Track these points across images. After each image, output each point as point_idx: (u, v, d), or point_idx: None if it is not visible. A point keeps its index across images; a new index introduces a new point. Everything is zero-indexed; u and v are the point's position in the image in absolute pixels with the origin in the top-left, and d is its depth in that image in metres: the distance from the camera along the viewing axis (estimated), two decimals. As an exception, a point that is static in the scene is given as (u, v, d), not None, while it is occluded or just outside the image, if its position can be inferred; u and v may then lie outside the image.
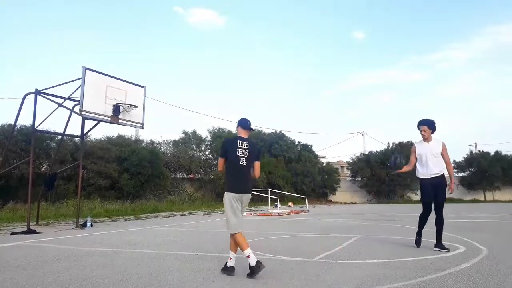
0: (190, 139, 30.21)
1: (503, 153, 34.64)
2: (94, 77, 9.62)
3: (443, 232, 5.54)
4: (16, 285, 3.69)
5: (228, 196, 4.08)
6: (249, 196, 4.24)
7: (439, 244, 5.45)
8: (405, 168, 5.78)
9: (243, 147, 4.14)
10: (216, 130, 32.06)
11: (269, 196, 19.28)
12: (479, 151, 37.27)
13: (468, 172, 34.78)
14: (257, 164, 4.26)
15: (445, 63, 77.31)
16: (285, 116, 78.39)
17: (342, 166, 47.65)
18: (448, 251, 5.27)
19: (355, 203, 33.70)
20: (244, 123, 4.31)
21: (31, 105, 9.60)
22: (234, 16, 78.38)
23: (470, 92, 78.56)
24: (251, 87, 77.49)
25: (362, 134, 46.50)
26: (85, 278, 3.95)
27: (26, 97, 9.77)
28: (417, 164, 5.67)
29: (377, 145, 77.53)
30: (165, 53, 76.95)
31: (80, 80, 9.36)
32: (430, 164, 5.48)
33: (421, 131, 5.60)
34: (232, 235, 4.07)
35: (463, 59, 76.94)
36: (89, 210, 15.01)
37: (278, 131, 35.23)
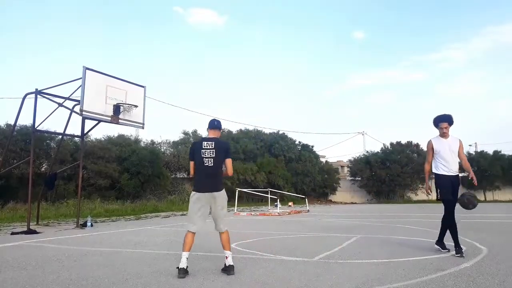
0: (190, 140, 30.24)
1: (503, 153, 34.65)
2: (95, 77, 9.62)
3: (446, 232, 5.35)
4: (16, 285, 3.69)
5: (192, 195, 4.18)
6: (219, 194, 4.13)
7: (440, 243, 5.32)
8: (427, 167, 5.46)
9: (208, 147, 4.15)
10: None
11: (269, 196, 19.29)
12: (475, 151, 37.24)
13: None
14: (228, 161, 4.23)
15: (445, 63, 77.40)
16: (285, 116, 78.41)
17: (342, 166, 47.65)
18: (449, 251, 5.19)
19: (355, 203, 33.71)
20: (210, 123, 4.37)
21: (31, 105, 9.62)
22: (234, 16, 78.42)
23: (470, 92, 78.65)
24: (251, 87, 77.53)
25: (362, 134, 46.50)
26: (85, 278, 3.95)
27: (26, 97, 9.78)
28: (435, 160, 5.32)
29: (377, 145, 77.47)
30: (165, 53, 77.03)
31: (80, 80, 9.36)
32: (449, 161, 5.19)
33: (441, 128, 5.25)
34: (187, 232, 4.15)
35: (463, 59, 77.03)
36: (89, 210, 15.03)
37: (278, 131, 35.32)
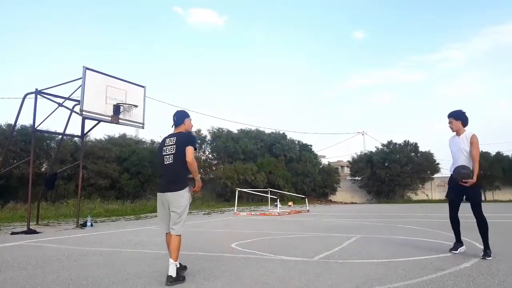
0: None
1: (505, 154, 34.55)
2: (95, 77, 9.62)
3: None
4: (16, 285, 3.70)
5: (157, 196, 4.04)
6: (173, 194, 3.82)
7: (484, 251, 4.89)
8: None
9: (169, 144, 3.92)
10: (215, 130, 32.09)
11: (269, 196, 19.29)
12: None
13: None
14: (187, 148, 3.81)
15: (445, 63, 77.32)
16: (285, 116, 78.40)
17: (342, 166, 47.64)
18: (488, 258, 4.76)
19: (355, 203, 33.69)
20: (173, 120, 4.11)
21: (31, 105, 9.61)
22: (234, 16, 78.41)
23: (470, 92, 78.60)
24: (251, 87, 77.54)
25: (362, 134, 46.47)
26: (85, 278, 3.95)
27: (26, 97, 9.78)
28: None
29: (377, 145, 77.35)
30: (165, 53, 77.04)
31: (81, 80, 9.37)
32: (455, 160, 5.15)
33: (448, 124, 5.27)
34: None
35: (463, 59, 76.97)
36: (89, 210, 15.02)
37: (278, 131, 35.29)
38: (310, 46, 77.36)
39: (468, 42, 74.44)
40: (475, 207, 5.04)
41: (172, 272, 3.68)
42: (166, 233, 4.00)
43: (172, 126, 4.13)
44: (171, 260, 3.74)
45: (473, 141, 5.06)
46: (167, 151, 3.92)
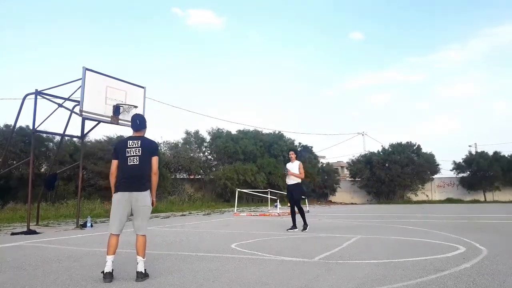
0: (190, 140, 30.41)
1: (502, 154, 34.52)
2: (94, 77, 9.61)
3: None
4: (16, 285, 3.69)
5: (114, 195, 3.98)
6: (141, 194, 3.92)
7: (304, 225, 8.63)
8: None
9: (133, 146, 3.98)
10: (215, 131, 32.10)
11: (269, 196, 19.28)
12: (477, 151, 37.16)
13: (468, 172, 34.68)
14: (153, 159, 4.02)
15: (444, 64, 77.19)
16: (285, 116, 78.31)
17: (342, 167, 47.61)
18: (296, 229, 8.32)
19: (355, 203, 33.69)
20: (132, 124, 4.20)
21: (31, 105, 9.60)
22: (233, 17, 78.38)
23: (470, 92, 78.56)
24: (251, 88, 77.52)
25: (362, 134, 46.44)
26: (85, 278, 3.95)
27: (26, 97, 9.77)
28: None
29: (377, 146, 77.28)
30: (165, 53, 76.97)
31: (80, 80, 9.34)
32: (289, 176, 8.79)
33: (289, 155, 8.97)
34: (110, 235, 3.97)
35: (462, 60, 76.81)
36: (89, 210, 15.01)
37: (277, 131, 35.26)
38: (310, 46, 77.40)
39: (466, 43, 74.42)
40: (297, 201, 8.76)
41: (142, 268, 3.83)
42: (113, 235, 3.93)
43: (134, 130, 4.17)
44: (139, 258, 3.86)
45: (300, 165, 8.69)
46: (132, 152, 3.96)
